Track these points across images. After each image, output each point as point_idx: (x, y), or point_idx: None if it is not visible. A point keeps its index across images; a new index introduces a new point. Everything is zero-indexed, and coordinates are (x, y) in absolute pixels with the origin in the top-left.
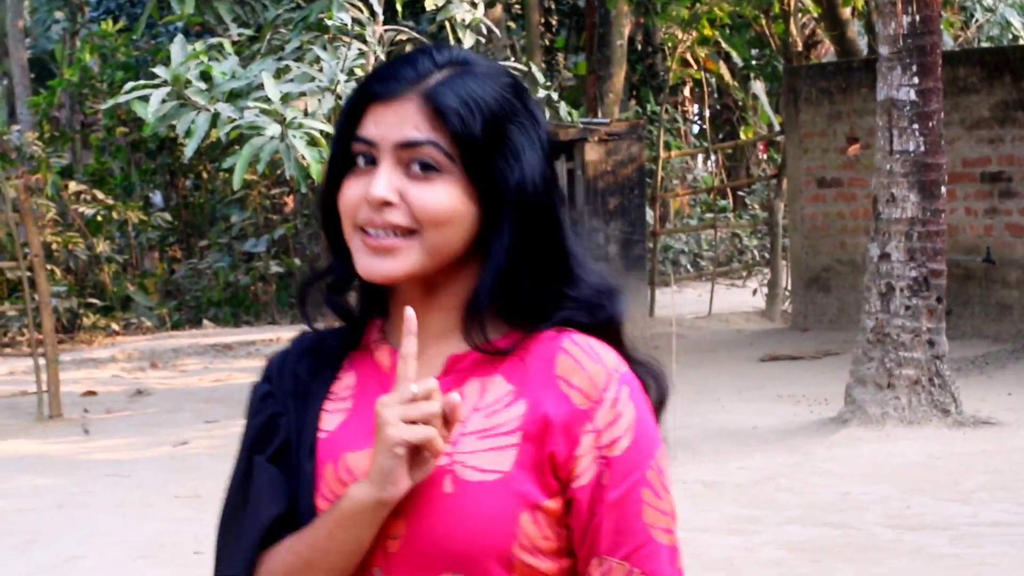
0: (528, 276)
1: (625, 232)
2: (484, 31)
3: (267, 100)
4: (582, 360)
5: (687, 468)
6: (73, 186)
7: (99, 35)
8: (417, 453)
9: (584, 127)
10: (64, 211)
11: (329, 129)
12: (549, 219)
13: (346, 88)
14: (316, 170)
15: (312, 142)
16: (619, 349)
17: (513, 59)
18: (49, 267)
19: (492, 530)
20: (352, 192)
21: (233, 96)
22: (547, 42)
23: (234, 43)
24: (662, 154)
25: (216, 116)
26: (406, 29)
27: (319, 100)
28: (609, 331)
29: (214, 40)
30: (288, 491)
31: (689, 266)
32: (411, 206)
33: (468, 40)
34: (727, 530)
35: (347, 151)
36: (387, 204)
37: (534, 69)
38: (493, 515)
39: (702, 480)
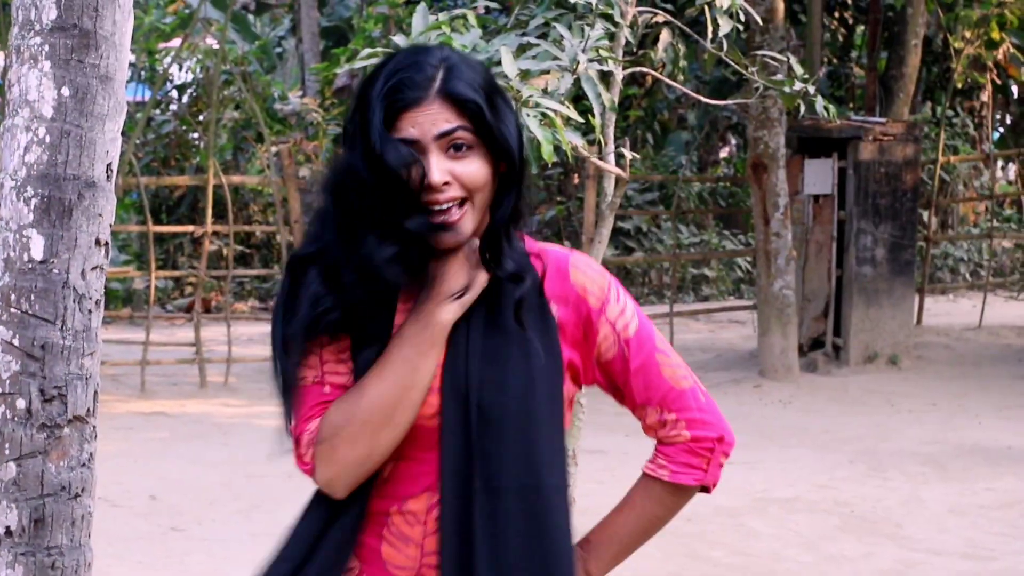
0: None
1: (894, 236)
2: (742, 18)
3: (505, 77)
4: (587, 271)
5: (932, 486)
6: None
7: (388, 5)
8: None
9: (859, 125)
10: None
11: (566, 111)
12: (524, 170)
13: (588, 68)
14: (547, 151)
15: (546, 121)
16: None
17: (787, 51)
18: None
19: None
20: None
21: None
22: (840, 39)
23: (480, 16)
24: (941, 158)
25: None
26: (663, 12)
27: (559, 79)
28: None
29: (458, 12)
30: None
31: (968, 275)
32: (461, 180)
33: (725, 26)
34: (961, 554)
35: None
36: (445, 184)
37: (791, 60)
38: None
39: (946, 502)
